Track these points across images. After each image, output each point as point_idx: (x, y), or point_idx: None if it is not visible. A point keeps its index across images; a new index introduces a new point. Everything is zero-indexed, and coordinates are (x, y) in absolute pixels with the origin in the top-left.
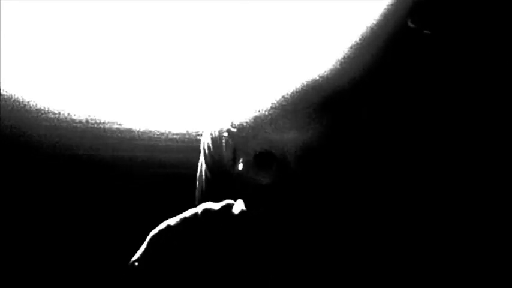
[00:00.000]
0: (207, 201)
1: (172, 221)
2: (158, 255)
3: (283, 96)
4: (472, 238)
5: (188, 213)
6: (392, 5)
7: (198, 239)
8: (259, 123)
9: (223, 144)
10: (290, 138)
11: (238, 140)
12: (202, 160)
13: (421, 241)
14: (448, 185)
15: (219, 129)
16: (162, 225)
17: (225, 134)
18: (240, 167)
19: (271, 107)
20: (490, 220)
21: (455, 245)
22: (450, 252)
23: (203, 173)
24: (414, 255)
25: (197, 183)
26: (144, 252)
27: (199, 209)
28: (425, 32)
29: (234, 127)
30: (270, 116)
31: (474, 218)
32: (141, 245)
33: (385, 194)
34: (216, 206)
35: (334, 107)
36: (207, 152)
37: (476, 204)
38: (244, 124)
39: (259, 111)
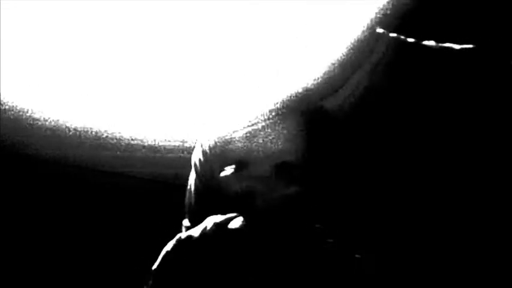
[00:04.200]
0: (195, 214)
1: (186, 235)
2: (173, 268)
3: (261, 110)
4: (472, 238)
5: (199, 228)
6: (378, 14)
7: (211, 253)
8: (240, 140)
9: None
10: (269, 149)
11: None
12: (192, 173)
13: (420, 242)
14: (447, 186)
15: (206, 145)
16: (179, 238)
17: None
18: (223, 174)
19: (251, 121)
20: (490, 220)
21: (455, 245)
22: (450, 252)
23: (193, 186)
24: (412, 256)
25: (186, 195)
26: (159, 265)
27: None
28: (409, 40)
29: (214, 150)
30: (250, 130)
31: (474, 218)
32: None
33: (381, 197)
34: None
35: (311, 120)
36: (197, 165)
37: (476, 205)
38: (222, 144)
39: (239, 126)
